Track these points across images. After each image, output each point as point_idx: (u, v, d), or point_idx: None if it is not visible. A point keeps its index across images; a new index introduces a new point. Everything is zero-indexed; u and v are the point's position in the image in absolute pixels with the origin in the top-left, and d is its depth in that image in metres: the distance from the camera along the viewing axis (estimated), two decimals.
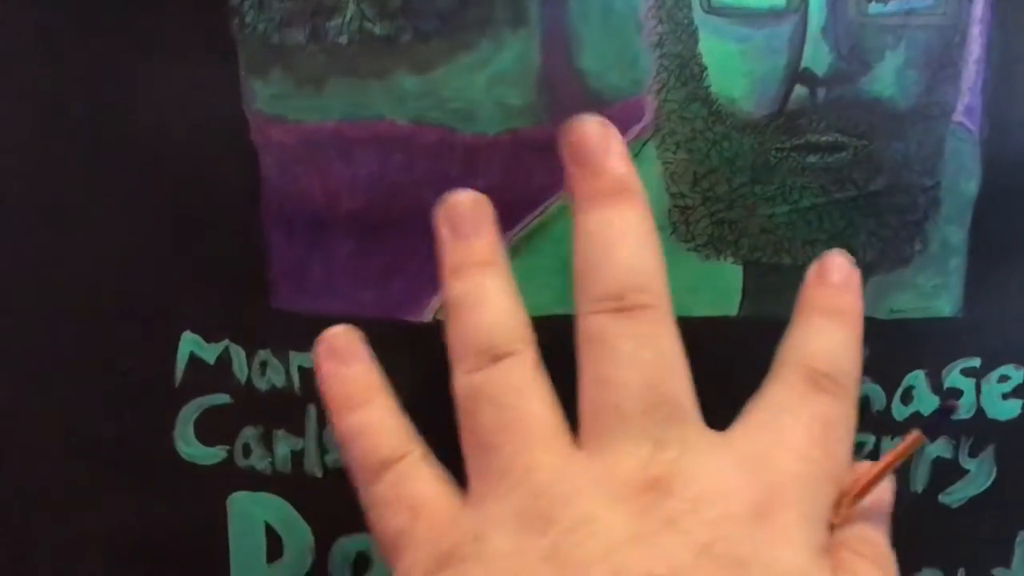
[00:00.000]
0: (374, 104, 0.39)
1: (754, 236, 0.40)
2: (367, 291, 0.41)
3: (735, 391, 0.42)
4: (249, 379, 0.42)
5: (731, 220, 0.40)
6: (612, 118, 0.39)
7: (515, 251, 0.41)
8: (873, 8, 0.38)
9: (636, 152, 0.40)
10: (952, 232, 0.40)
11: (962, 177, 0.40)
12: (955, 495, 0.43)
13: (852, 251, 0.40)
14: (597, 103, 0.39)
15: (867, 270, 0.41)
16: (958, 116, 0.39)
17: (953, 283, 0.40)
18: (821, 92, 0.39)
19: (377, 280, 0.41)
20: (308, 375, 0.42)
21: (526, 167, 0.40)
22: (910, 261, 0.40)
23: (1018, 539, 0.44)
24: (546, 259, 0.41)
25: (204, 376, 0.42)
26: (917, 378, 0.42)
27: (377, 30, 0.39)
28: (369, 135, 0.40)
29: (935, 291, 0.41)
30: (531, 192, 0.40)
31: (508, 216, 0.40)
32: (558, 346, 0.41)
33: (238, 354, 0.42)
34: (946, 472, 0.43)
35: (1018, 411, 0.42)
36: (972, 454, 0.43)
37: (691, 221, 0.40)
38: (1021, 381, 0.42)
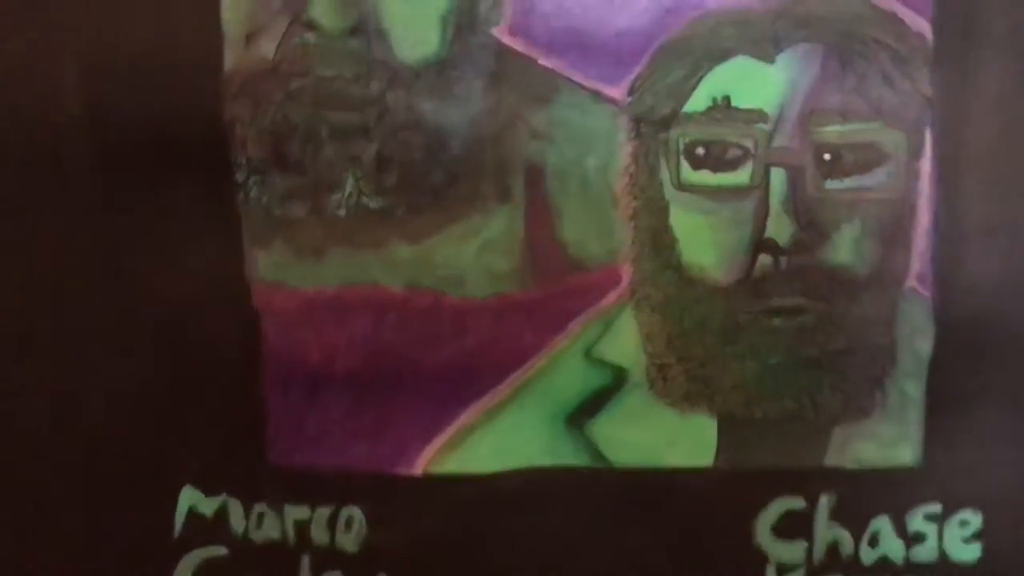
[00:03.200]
0: (370, 271, 0.44)
1: (727, 391, 0.44)
2: (360, 445, 0.45)
3: (710, 539, 0.45)
4: (246, 531, 0.45)
5: (705, 377, 0.44)
6: (591, 284, 0.44)
7: (503, 406, 0.44)
8: (829, 184, 0.43)
9: (615, 315, 0.44)
10: (910, 386, 0.45)
11: (916, 336, 0.45)
12: None
13: (817, 405, 0.44)
14: (577, 270, 0.44)
15: (832, 421, 0.45)
16: (911, 281, 0.44)
17: (912, 433, 0.45)
18: (784, 260, 0.43)
19: (370, 435, 0.45)
20: (302, 527, 0.45)
21: (513, 328, 0.44)
22: (871, 413, 0.45)
23: None
24: (533, 412, 0.45)
25: (202, 528, 0.45)
26: (883, 523, 0.45)
27: (373, 204, 0.43)
28: (365, 300, 0.44)
29: (896, 440, 0.45)
30: (518, 350, 0.44)
31: (496, 373, 0.44)
32: (546, 496, 0.45)
33: (236, 507, 0.45)
34: None
35: (979, 554, 0.46)
36: None
37: (668, 378, 0.45)
38: (981, 526, 0.46)
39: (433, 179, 0.43)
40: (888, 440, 0.45)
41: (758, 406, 0.45)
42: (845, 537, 0.46)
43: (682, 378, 0.45)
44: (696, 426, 0.45)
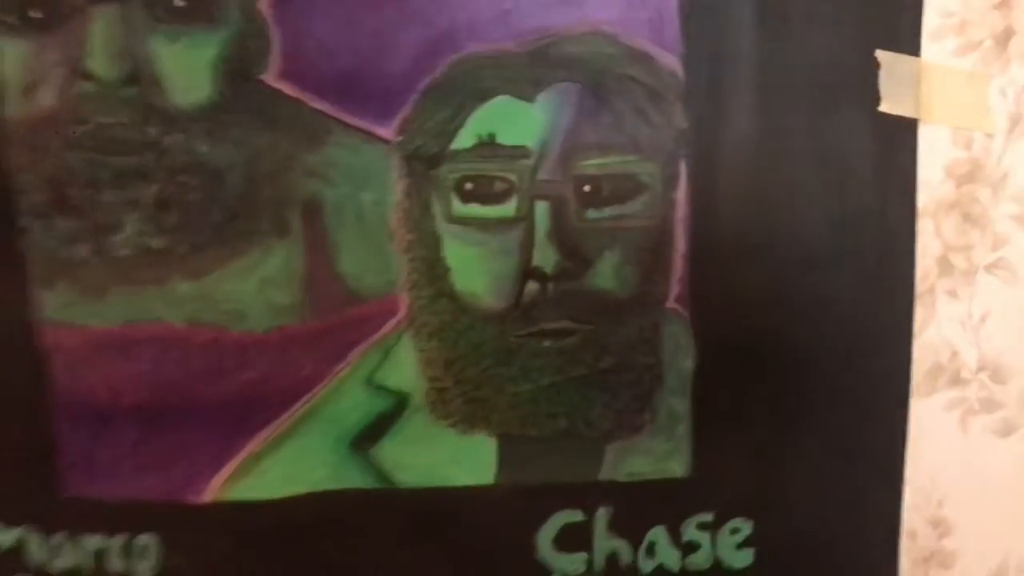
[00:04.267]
0: (153, 308, 0.46)
1: (503, 412, 0.47)
2: (151, 476, 0.47)
3: (494, 555, 0.48)
4: (45, 562, 0.47)
5: (482, 399, 0.47)
6: (370, 314, 0.47)
7: (289, 434, 0.47)
8: (590, 214, 0.46)
9: (393, 343, 0.47)
10: (677, 402, 0.48)
11: (679, 355, 0.48)
12: None
13: (589, 422, 0.47)
14: (356, 301, 0.46)
15: (605, 438, 0.48)
16: (671, 303, 0.47)
17: (682, 447, 0.48)
18: (550, 286, 0.46)
19: (160, 465, 0.47)
20: (100, 556, 0.47)
21: (294, 359, 0.46)
22: (642, 429, 0.48)
23: None
24: (318, 439, 0.47)
25: (2, 560, 0.47)
26: (658, 533, 0.48)
27: (155, 244, 0.46)
28: (149, 336, 0.46)
29: (667, 454, 0.48)
30: (300, 380, 0.47)
31: (280, 403, 0.47)
32: (334, 519, 0.47)
33: (34, 539, 0.47)
34: None
35: (751, 559, 0.49)
36: None
37: (447, 400, 0.47)
38: (751, 531, 0.49)
39: (212, 217, 0.46)
40: (659, 454, 0.48)
41: (533, 425, 0.48)
42: (623, 547, 0.49)
43: (460, 400, 0.47)
44: (476, 445, 0.48)
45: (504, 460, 0.48)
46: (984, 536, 0.51)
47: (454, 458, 0.48)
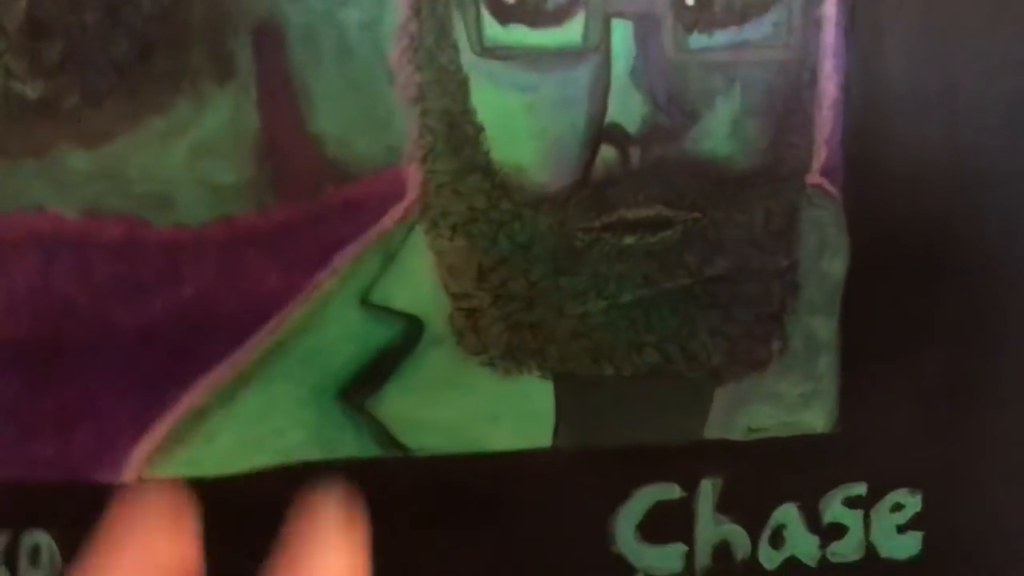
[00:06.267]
0: (30, 191, 0.30)
1: (564, 343, 0.32)
2: (42, 447, 0.32)
3: (553, 546, 0.33)
4: None
5: (532, 323, 0.32)
6: (362, 197, 0.31)
7: (245, 381, 0.32)
8: (695, 41, 0.31)
9: (400, 244, 0.31)
10: (819, 325, 0.33)
11: (825, 255, 0.33)
12: None
13: (691, 355, 0.32)
14: (341, 179, 0.31)
15: (713, 379, 0.33)
16: (814, 177, 0.32)
17: (825, 389, 0.33)
18: (635, 153, 0.31)
19: (55, 431, 0.32)
20: None
21: (250, 268, 0.31)
22: (768, 365, 0.33)
23: None
24: (290, 388, 0.32)
25: None
26: (788, 514, 0.34)
27: (30, 92, 0.30)
28: (26, 234, 0.30)
29: (803, 401, 0.33)
30: (259, 301, 0.31)
31: (230, 335, 0.32)
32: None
33: None
34: None
35: (919, 547, 0.35)
36: None
37: (481, 327, 0.32)
38: (919, 508, 0.34)
39: (116, 51, 0.30)
40: (792, 401, 0.34)
41: (609, 362, 0.33)
42: (737, 534, 0.34)
43: (501, 326, 0.32)
44: (525, 393, 0.33)
45: (565, 413, 0.33)
46: None
47: (492, 412, 0.33)
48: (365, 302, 0.32)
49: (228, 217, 0.31)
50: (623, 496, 0.34)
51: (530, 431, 0.33)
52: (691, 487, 0.34)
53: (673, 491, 0.34)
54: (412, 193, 0.32)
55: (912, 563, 0.35)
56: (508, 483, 0.34)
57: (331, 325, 0.32)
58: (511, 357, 0.33)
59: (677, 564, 0.34)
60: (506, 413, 0.33)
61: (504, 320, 0.33)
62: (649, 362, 0.33)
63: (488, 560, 0.34)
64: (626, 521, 0.34)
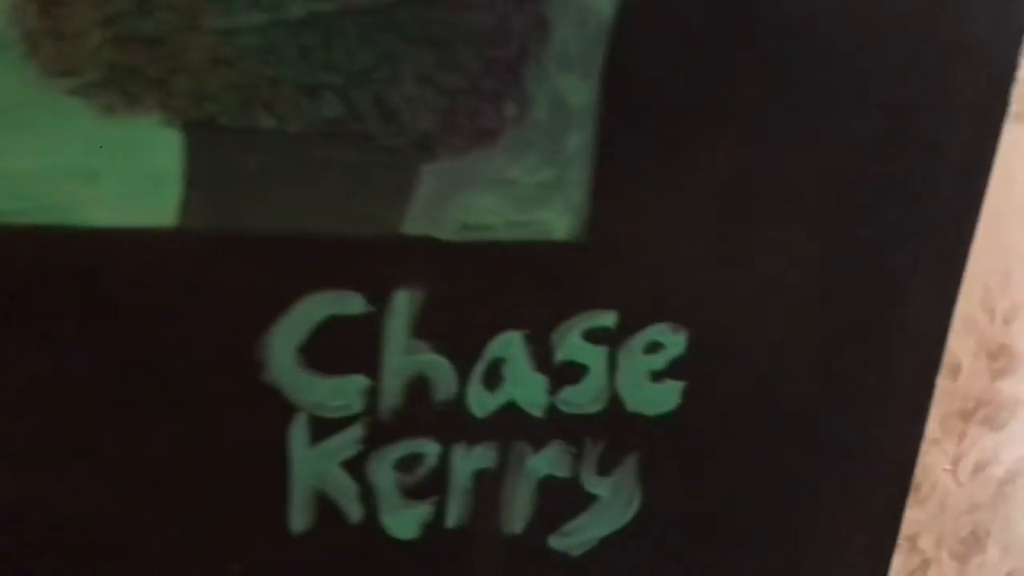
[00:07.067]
0: None
1: (199, 72, 0.22)
2: None
3: (183, 362, 0.24)
4: None
5: (151, 37, 0.21)
6: None
7: None
8: None
9: None
10: (572, 87, 0.24)
11: None
12: (577, 536, 0.28)
13: (390, 112, 0.23)
14: None
15: (421, 149, 0.23)
16: None
17: (572, 180, 0.24)
18: None
19: None
20: None
21: None
22: (497, 137, 0.24)
23: None
24: None
25: None
26: (510, 345, 0.25)
27: None
28: None
29: (542, 194, 0.24)
30: None
31: None
32: None
33: None
34: (562, 500, 0.27)
35: (676, 401, 0.27)
36: (603, 471, 0.27)
37: (67, 33, 0.21)
38: (681, 351, 0.26)
39: None
40: (527, 193, 0.25)
41: (267, 109, 0.23)
42: (441, 369, 0.25)
43: (100, 36, 0.21)
44: (139, 144, 0.23)
45: (199, 180, 0.23)
46: None
47: (88, 168, 0.23)
48: None
49: None
50: (280, 306, 0.24)
51: (145, 201, 0.23)
52: (379, 300, 0.25)
53: (353, 303, 0.25)
54: None
55: (663, 421, 0.27)
56: (112, 274, 0.23)
57: None
58: (116, 86, 0.22)
59: (355, 402, 0.25)
60: (108, 171, 0.23)
61: (104, 25, 0.21)
62: (327, 115, 0.23)
63: (82, 380, 0.24)
64: (284, 341, 0.25)
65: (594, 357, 0.27)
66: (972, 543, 0.34)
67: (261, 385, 0.25)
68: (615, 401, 0.27)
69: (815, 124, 0.26)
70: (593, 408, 0.27)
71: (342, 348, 0.25)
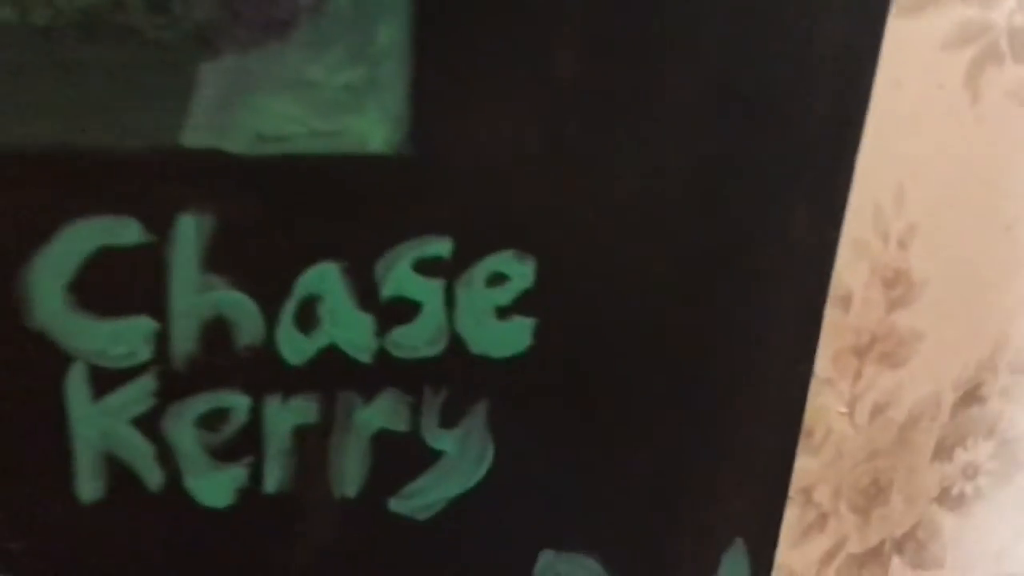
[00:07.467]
0: None
1: None
2: None
3: None
4: None
5: None
6: None
7: None
8: None
9: None
10: None
11: None
12: (421, 498, 0.25)
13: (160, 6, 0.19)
14: None
15: (199, 44, 0.19)
16: None
17: (388, 81, 0.21)
18: None
19: None
20: None
21: None
22: (291, 27, 0.20)
23: (540, 564, 0.26)
24: None
25: None
26: (326, 279, 0.22)
27: None
28: None
29: (351, 97, 0.21)
30: None
31: None
32: None
33: None
34: (401, 458, 0.24)
35: (527, 340, 0.24)
36: (447, 423, 0.24)
37: None
38: (530, 284, 0.23)
39: None
40: (333, 96, 0.21)
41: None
42: (243, 308, 0.22)
43: None
44: None
45: None
46: None
47: None
48: None
49: None
50: (39, 236, 0.20)
51: None
52: (161, 227, 0.21)
53: (127, 231, 0.21)
54: None
55: (514, 365, 0.24)
56: None
57: None
58: None
59: (141, 349, 0.22)
60: None
61: None
62: (81, 4, 0.19)
63: None
64: (47, 278, 0.21)
65: (427, 292, 0.23)
66: (873, 494, 0.31)
67: (26, 331, 0.21)
68: (456, 342, 0.24)
69: (679, 20, 0.23)
70: (430, 351, 0.24)
71: (121, 285, 0.21)
